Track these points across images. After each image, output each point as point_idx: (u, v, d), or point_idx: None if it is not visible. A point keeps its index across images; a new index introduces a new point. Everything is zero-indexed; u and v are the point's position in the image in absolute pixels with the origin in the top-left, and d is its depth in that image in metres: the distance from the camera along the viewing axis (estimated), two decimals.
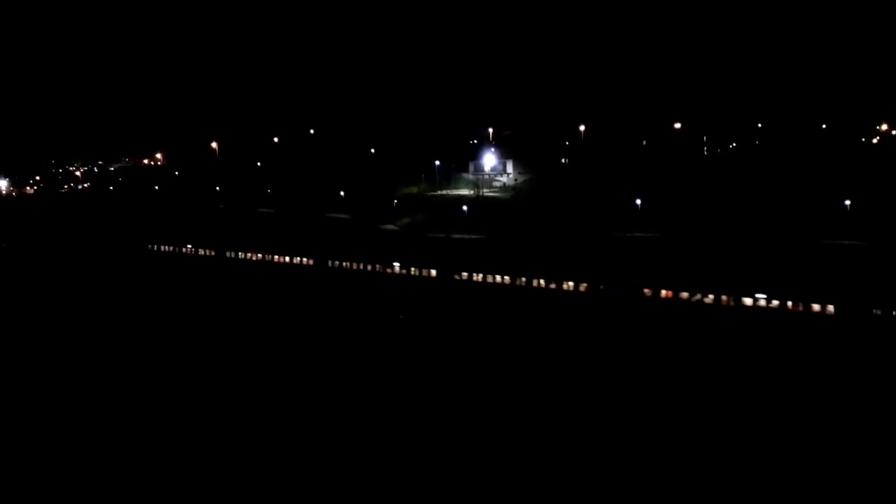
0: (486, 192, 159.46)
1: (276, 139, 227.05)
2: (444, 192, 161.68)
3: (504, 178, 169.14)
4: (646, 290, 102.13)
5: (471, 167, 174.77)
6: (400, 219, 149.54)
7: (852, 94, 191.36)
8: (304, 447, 71.54)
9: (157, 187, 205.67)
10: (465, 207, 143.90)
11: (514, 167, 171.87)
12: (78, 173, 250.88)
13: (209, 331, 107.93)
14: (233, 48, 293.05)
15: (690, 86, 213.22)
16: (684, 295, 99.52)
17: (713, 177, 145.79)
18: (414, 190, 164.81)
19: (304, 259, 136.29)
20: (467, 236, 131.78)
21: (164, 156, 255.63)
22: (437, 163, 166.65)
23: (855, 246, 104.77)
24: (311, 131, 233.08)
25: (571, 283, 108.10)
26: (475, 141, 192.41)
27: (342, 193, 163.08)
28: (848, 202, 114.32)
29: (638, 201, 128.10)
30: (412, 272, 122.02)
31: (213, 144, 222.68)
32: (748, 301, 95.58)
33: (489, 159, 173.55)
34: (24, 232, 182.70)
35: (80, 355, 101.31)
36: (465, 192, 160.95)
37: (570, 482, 63.89)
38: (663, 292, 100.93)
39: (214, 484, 66.17)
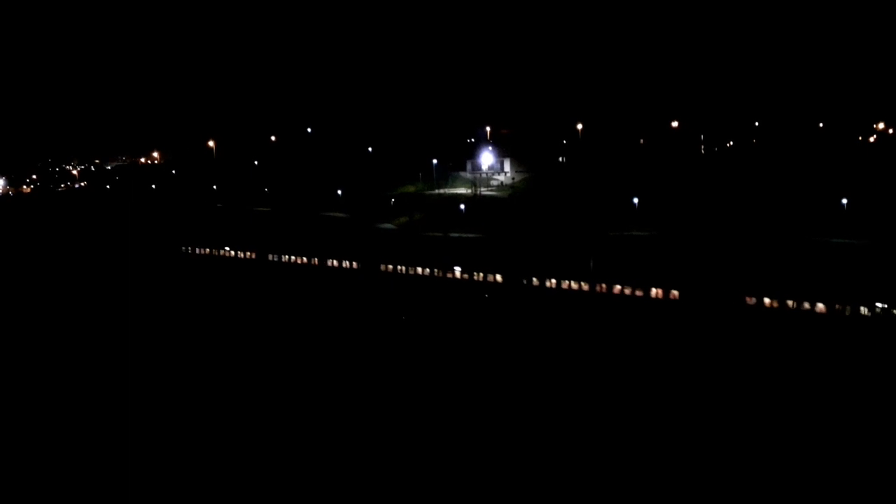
0: (484, 191, 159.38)
1: (273, 138, 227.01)
2: (442, 190, 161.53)
3: (501, 177, 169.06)
4: (748, 299, 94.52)
5: (468, 166, 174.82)
6: (397, 218, 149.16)
7: (850, 93, 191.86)
8: (305, 448, 71.41)
9: (154, 186, 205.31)
10: (462, 206, 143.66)
11: (512, 166, 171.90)
12: (75, 172, 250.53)
13: (251, 332, 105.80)
14: (230, 47, 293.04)
15: (688, 85, 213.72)
16: (790, 303, 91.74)
17: (710, 175, 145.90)
18: (411, 189, 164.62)
19: (352, 263, 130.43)
20: (465, 235, 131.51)
21: (161, 154, 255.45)
22: (435, 161, 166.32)
23: (851, 244, 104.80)
24: (309, 130, 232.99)
25: (660, 291, 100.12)
26: (473, 140, 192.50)
27: (339, 192, 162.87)
28: (845, 201, 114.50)
29: (635, 200, 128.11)
30: (475, 277, 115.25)
31: (211, 143, 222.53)
32: (865, 311, 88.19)
33: (487, 158, 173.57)
34: (34, 234, 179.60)
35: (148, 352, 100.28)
36: (462, 190, 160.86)
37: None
38: (766, 301, 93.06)
39: (221, 479, 66.29)
